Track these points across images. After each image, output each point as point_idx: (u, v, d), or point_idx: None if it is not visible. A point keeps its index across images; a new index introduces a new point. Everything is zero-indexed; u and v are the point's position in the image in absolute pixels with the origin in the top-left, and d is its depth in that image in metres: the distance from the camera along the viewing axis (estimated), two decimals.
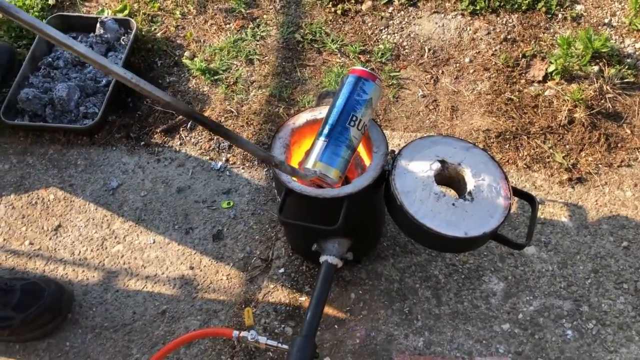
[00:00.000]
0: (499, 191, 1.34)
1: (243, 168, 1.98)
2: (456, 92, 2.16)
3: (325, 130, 1.34)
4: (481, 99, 2.12)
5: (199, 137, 2.06)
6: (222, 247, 1.78)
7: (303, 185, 1.35)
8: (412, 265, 1.71)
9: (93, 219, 1.87)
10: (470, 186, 1.34)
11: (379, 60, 2.26)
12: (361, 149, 1.51)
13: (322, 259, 1.46)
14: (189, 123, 2.10)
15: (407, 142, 1.42)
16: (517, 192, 1.40)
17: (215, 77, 2.25)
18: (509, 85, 2.14)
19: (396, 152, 1.39)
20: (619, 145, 1.96)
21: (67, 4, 2.58)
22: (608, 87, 2.08)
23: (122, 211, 1.88)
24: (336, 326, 1.60)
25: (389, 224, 1.77)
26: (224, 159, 2.00)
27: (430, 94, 2.16)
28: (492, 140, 1.98)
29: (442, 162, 1.37)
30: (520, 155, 1.94)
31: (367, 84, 1.31)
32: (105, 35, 2.31)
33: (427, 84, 2.19)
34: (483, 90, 2.15)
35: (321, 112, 1.48)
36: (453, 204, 1.30)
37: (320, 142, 1.34)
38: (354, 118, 1.30)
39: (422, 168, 1.36)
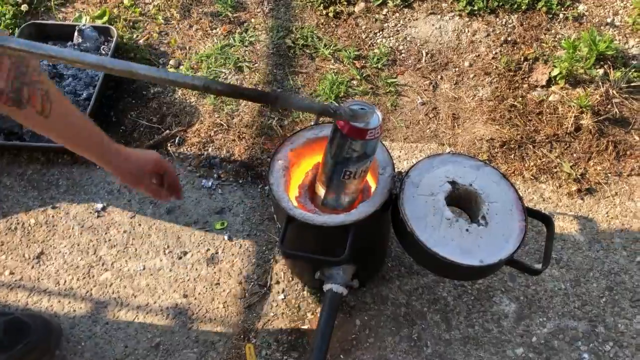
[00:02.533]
0: (514, 213, 1.30)
1: (236, 185, 1.91)
2: (457, 99, 2.11)
3: (324, 179, 1.29)
4: (483, 106, 2.07)
5: (188, 152, 2.00)
6: (217, 272, 1.72)
7: (305, 212, 1.30)
8: (419, 287, 1.66)
9: (78, 245, 1.80)
10: (483, 209, 1.29)
11: (374, 66, 2.21)
12: None
13: (327, 287, 1.41)
14: (177, 138, 2.04)
15: (414, 163, 1.37)
16: (533, 213, 1.36)
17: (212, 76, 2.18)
18: (511, 91, 2.10)
19: (404, 174, 1.34)
20: (628, 152, 1.93)
21: (42, 9, 2.49)
22: (614, 92, 2.05)
23: (109, 235, 1.81)
24: (342, 356, 1.55)
25: (392, 243, 1.72)
26: (215, 175, 1.94)
27: (429, 101, 2.11)
28: (496, 150, 1.94)
29: (453, 183, 1.33)
30: (526, 165, 1.90)
31: (357, 143, 1.21)
32: (84, 44, 2.23)
33: (425, 90, 2.15)
34: (485, 96, 2.10)
35: (322, 130, 1.42)
36: (467, 230, 1.26)
37: (321, 187, 1.32)
38: (348, 173, 1.23)
39: (431, 190, 1.31)
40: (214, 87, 0.88)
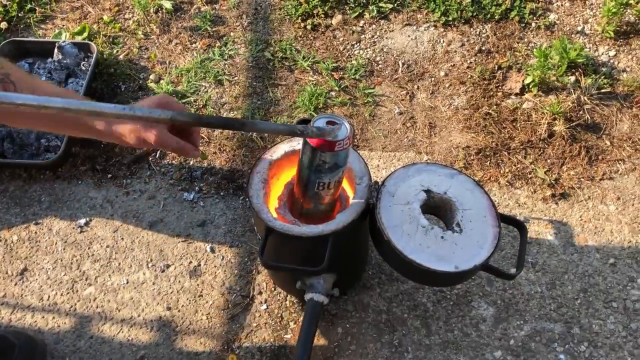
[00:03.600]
0: (488, 219, 1.34)
1: (217, 197, 1.93)
2: (433, 108, 2.15)
3: (300, 190, 1.33)
4: (459, 114, 2.12)
5: (169, 167, 2.02)
6: (200, 284, 1.74)
7: (284, 223, 1.32)
8: (399, 294, 1.69)
9: (61, 260, 1.81)
10: (458, 216, 1.33)
11: (352, 77, 2.24)
12: (344, 181, 1.48)
13: (308, 296, 1.43)
14: (157, 152, 2.05)
15: (390, 173, 1.40)
16: (506, 219, 1.39)
17: (184, 100, 2.20)
18: (486, 99, 2.15)
19: (380, 183, 1.37)
20: (600, 157, 1.98)
21: (21, 26, 2.50)
22: (585, 98, 2.10)
23: (92, 250, 1.83)
24: None
25: (372, 251, 1.75)
26: (197, 188, 1.96)
27: (406, 111, 2.15)
28: (472, 158, 1.98)
29: (428, 191, 1.36)
30: (501, 172, 1.95)
31: (327, 155, 1.24)
32: (65, 61, 2.24)
33: (403, 100, 2.19)
34: (460, 105, 2.15)
35: (299, 143, 1.45)
36: (442, 237, 1.29)
37: (298, 199, 1.35)
38: (322, 184, 1.26)
39: (407, 199, 1.35)
40: (181, 119, 0.91)
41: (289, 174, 1.48)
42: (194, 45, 2.39)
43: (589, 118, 2.07)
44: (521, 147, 2.01)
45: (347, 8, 2.47)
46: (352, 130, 1.18)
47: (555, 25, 2.38)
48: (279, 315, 1.67)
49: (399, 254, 1.26)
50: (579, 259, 1.75)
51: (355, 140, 2.06)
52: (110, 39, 2.42)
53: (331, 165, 1.20)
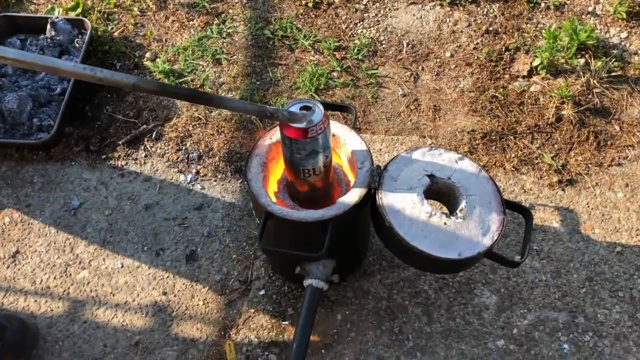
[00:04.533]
0: (492, 205, 1.33)
1: (215, 180, 1.93)
2: (438, 90, 2.14)
3: (291, 177, 1.34)
4: (464, 97, 2.11)
5: (166, 148, 2.01)
6: (197, 269, 1.75)
7: (284, 208, 1.32)
8: (400, 280, 1.70)
9: (54, 243, 1.81)
10: (462, 202, 1.33)
11: (355, 57, 2.23)
12: (344, 164, 1.48)
13: (307, 282, 1.44)
14: (154, 132, 2.05)
15: (392, 157, 1.40)
16: (511, 205, 1.39)
17: (180, 80, 2.19)
18: (492, 81, 2.14)
19: (382, 168, 1.37)
20: (609, 143, 1.98)
21: (12, 1, 2.48)
22: (595, 81, 2.09)
23: (86, 233, 1.83)
24: (323, 351, 1.59)
25: (374, 237, 1.75)
26: (194, 170, 1.95)
27: (410, 93, 2.14)
28: (477, 142, 1.98)
29: (431, 176, 1.36)
30: (507, 157, 1.94)
31: (301, 142, 1.23)
32: (57, 37, 2.22)
33: (407, 81, 2.18)
34: (466, 87, 2.14)
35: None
36: (445, 223, 1.29)
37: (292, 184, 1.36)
38: (306, 171, 1.27)
39: (410, 184, 1.34)
40: (144, 86, 0.90)
41: None
42: (191, 22, 2.37)
43: (598, 102, 2.06)
44: (528, 131, 2.00)
45: None
46: (325, 115, 1.18)
47: (565, 6, 2.36)
48: (277, 301, 1.68)
49: (401, 240, 1.27)
50: (585, 247, 1.75)
51: (358, 123, 2.05)
52: (105, 15, 2.40)
53: (309, 152, 1.21)
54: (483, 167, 1.85)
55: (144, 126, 2.06)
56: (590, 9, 2.34)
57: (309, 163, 1.24)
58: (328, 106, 1.65)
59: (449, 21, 2.33)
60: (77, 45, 2.24)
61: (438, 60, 2.23)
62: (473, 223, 1.30)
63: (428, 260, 1.27)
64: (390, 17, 2.36)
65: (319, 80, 2.14)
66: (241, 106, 1.10)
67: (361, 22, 2.35)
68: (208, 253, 1.78)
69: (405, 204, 1.31)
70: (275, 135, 1.44)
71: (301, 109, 1.19)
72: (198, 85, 2.18)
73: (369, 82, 2.17)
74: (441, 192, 1.39)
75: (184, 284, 1.72)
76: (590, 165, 1.93)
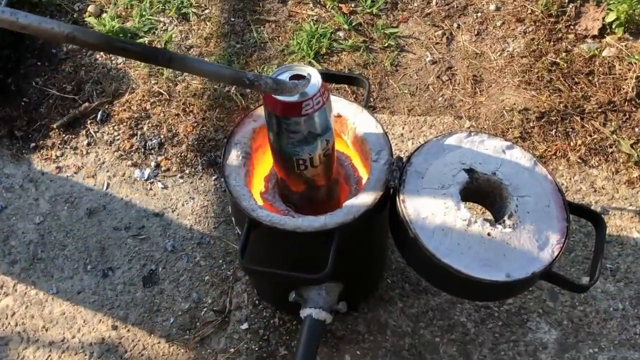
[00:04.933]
0: (552, 210, 1.34)
1: (181, 176, 1.94)
2: (479, 55, 2.15)
3: (280, 171, 1.35)
4: (514, 65, 2.11)
5: (115, 133, 2.02)
6: (158, 295, 1.76)
7: (273, 214, 1.33)
8: (428, 310, 1.71)
9: None
10: (511, 206, 1.33)
11: (368, 11, 2.24)
12: (354, 156, 1.49)
13: (305, 313, 1.44)
14: (99, 113, 2.05)
15: (418, 146, 1.40)
16: (578, 210, 1.40)
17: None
18: (552, 44, 2.14)
19: (404, 160, 1.38)
20: None
21: None
22: None
23: (9, 247, 1.84)
24: None
25: (393, 252, 1.76)
26: (153, 164, 1.96)
27: (442, 59, 2.14)
28: (532, 125, 1.98)
29: (470, 171, 1.36)
30: (572, 144, 1.95)
31: (292, 122, 1.23)
32: None
33: (437, 43, 2.18)
34: (517, 51, 2.14)
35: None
36: (489, 234, 1.29)
37: (283, 182, 1.37)
38: (301, 162, 1.27)
39: (442, 182, 1.35)
40: (83, 37, 0.89)
41: None
42: None
43: None
44: (599, 110, 2.01)
45: None
46: (324, 85, 1.18)
47: None
48: (265, 337, 1.69)
49: (430, 256, 1.27)
50: None
51: (372, 100, 2.06)
52: None
53: (305, 135, 1.21)
54: (539, 158, 1.85)
55: (86, 104, 2.07)
56: None
57: (304, 151, 1.24)
58: (332, 77, 1.66)
59: None
60: None
61: (479, 15, 2.23)
62: (526, 234, 1.31)
63: (466, 283, 1.27)
64: None
65: (319, 42, 2.15)
66: (211, 70, 1.09)
67: None
68: (172, 274, 1.78)
69: (435, 209, 1.32)
70: (261, 116, 1.44)
71: (292, 78, 1.19)
72: None
73: (386, 45, 2.17)
74: (483, 192, 1.39)
75: (140, 315, 1.73)
76: None
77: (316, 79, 1.18)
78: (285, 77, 1.19)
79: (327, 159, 1.30)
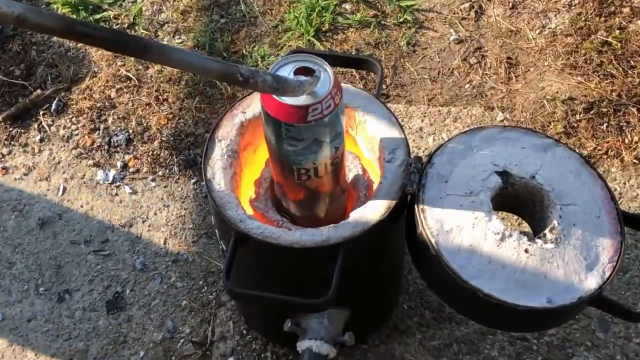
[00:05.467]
0: (603, 222, 1.34)
1: (154, 179, 1.95)
2: (514, 33, 2.15)
3: (278, 179, 1.36)
4: (557, 44, 2.12)
5: (73, 126, 2.03)
6: (125, 323, 1.76)
7: (266, 225, 1.33)
8: (452, 342, 1.71)
9: None
10: (553, 216, 1.33)
11: None
12: (363, 154, 1.49)
13: (303, 345, 1.44)
14: (54, 102, 2.06)
15: (441, 143, 1.40)
16: (633, 221, 1.40)
17: (97, 17, 2.21)
18: (603, 19, 2.15)
19: (425, 160, 1.38)
20: None
21: None
22: None
23: None
24: None
25: (411, 272, 1.76)
26: (119, 164, 1.97)
27: (470, 37, 2.15)
28: (578, 117, 1.99)
29: (504, 174, 1.36)
30: (627, 141, 1.95)
31: (295, 129, 1.21)
32: None
33: (464, 19, 2.19)
34: (560, 28, 2.15)
35: None
36: (526, 251, 1.29)
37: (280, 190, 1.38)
38: (302, 172, 1.26)
39: (469, 187, 1.35)
40: (37, 20, 0.89)
41: None
42: None
43: None
44: None
45: None
46: (337, 82, 1.15)
47: None
48: None
49: (455, 277, 1.27)
50: None
51: (385, 87, 2.06)
52: None
53: (309, 143, 1.20)
54: (587, 158, 1.85)
55: (38, 91, 2.07)
56: None
57: (308, 159, 1.24)
58: (336, 59, 1.65)
59: None
60: None
61: None
62: (571, 250, 1.31)
63: (499, 309, 1.27)
64: None
65: (321, 16, 2.15)
66: (196, 63, 1.08)
67: None
68: (142, 297, 1.79)
69: (462, 220, 1.32)
70: (251, 107, 1.45)
71: (297, 71, 1.18)
72: (125, 25, 2.19)
73: (402, 20, 2.17)
74: (520, 200, 1.39)
75: (103, 347, 1.73)
76: None
77: (328, 75, 1.16)
78: (288, 71, 1.17)
79: (334, 168, 1.30)
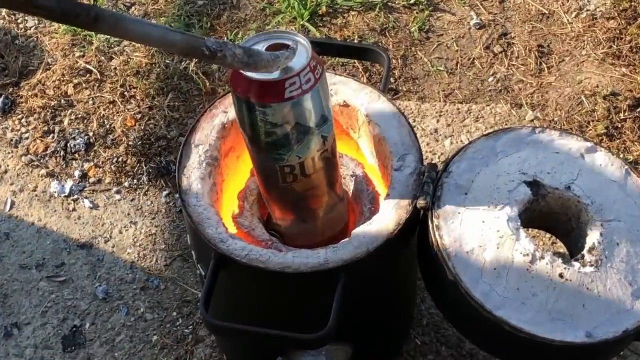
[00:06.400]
0: None
1: (119, 191, 1.95)
2: (546, 17, 2.16)
3: (260, 185, 1.38)
4: (597, 30, 2.12)
5: (23, 129, 2.03)
6: None
7: (251, 245, 1.33)
8: None
9: None
10: (593, 234, 1.34)
11: None
12: (367, 161, 1.49)
13: None
14: (0, 99, 2.06)
15: (460, 147, 1.40)
16: None
17: None
18: None
19: (441, 168, 1.38)
20: None
21: None
22: None
23: None
24: None
25: (425, 300, 1.76)
26: (77, 173, 1.97)
27: (493, 22, 2.16)
28: (622, 116, 1.99)
29: (535, 184, 1.37)
30: None
31: (269, 110, 1.22)
32: None
33: (485, 0, 2.19)
34: (600, 10, 2.15)
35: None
36: (561, 275, 1.30)
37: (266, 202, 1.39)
38: (286, 170, 1.27)
39: (493, 199, 1.35)
40: None
41: None
42: None
43: None
44: None
45: None
46: (315, 55, 1.17)
47: None
48: None
49: (477, 307, 1.27)
50: None
51: (393, 81, 2.06)
52: None
53: (291, 130, 1.20)
54: (634, 165, 1.86)
55: None
56: None
57: (292, 151, 1.24)
58: (336, 48, 1.66)
59: None
60: None
61: None
62: (615, 274, 1.31)
63: (529, 345, 1.27)
64: None
65: None
66: (154, 34, 1.06)
67: None
68: (105, 332, 1.79)
69: (484, 238, 1.32)
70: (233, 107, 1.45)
71: (269, 48, 1.19)
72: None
73: (413, 2, 2.18)
74: (553, 214, 1.39)
75: None
76: None
77: (304, 47, 1.17)
78: (261, 47, 1.18)
79: (325, 164, 1.30)
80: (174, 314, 1.80)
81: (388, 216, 1.34)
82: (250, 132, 1.22)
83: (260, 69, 1.12)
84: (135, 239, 1.88)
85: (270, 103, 1.16)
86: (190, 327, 1.79)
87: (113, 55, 2.12)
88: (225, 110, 1.44)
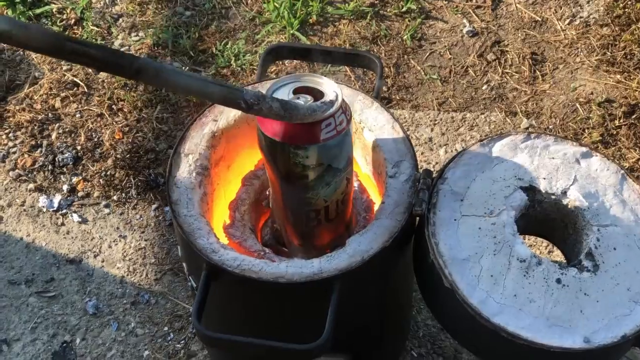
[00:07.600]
0: None
1: (107, 205, 1.95)
2: (539, 24, 2.17)
3: (278, 220, 1.38)
4: (591, 37, 2.13)
5: (11, 143, 2.03)
6: None
7: (244, 256, 1.33)
8: None
9: None
10: (590, 240, 1.34)
11: None
12: (362, 169, 1.49)
13: None
14: None
15: (455, 154, 1.41)
16: None
17: (38, 11, 2.21)
18: None
19: (436, 175, 1.39)
20: None
21: None
22: None
23: None
24: None
25: (421, 311, 1.76)
26: (65, 187, 1.97)
27: (486, 29, 2.16)
28: (617, 123, 2.00)
29: (530, 190, 1.37)
30: None
31: (303, 152, 1.23)
32: None
33: (479, 7, 2.20)
34: (594, 17, 2.16)
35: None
36: (558, 281, 1.30)
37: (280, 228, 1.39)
38: (312, 215, 1.27)
39: (489, 206, 1.36)
40: (24, 36, 0.89)
41: (253, 155, 1.49)
42: None
43: None
44: None
45: None
46: (342, 96, 1.18)
47: None
48: None
49: (474, 315, 1.27)
50: None
51: (386, 89, 2.07)
52: None
53: (322, 172, 1.21)
54: (629, 170, 1.86)
55: None
56: None
57: (319, 194, 1.24)
58: (327, 55, 1.66)
59: None
60: None
61: None
62: (612, 280, 1.31)
63: (527, 352, 1.27)
64: None
65: (307, 6, 2.16)
66: (195, 86, 1.09)
67: None
68: (96, 347, 1.78)
69: (480, 245, 1.32)
70: (224, 114, 1.45)
71: (296, 91, 1.19)
72: (72, 20, 2.20)
73: (405, 10, 2.18)
74: (549, 221, 1.40)
75: None
76: None
77: (334, 90, 1.18)
78: (286, 91, 1.18)
79: (345, 207, 1.31)
80: (165, 328, 1.80)
81: (383, 224, 1.34)
82: (277, 172, 1.23)
83: (295, 121, 1.13)
84: (124, 253, 1.88)
85: (306, 145, 1.17)
86: (182, 342, 1.78)
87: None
88: (215, 119, 1.44)
